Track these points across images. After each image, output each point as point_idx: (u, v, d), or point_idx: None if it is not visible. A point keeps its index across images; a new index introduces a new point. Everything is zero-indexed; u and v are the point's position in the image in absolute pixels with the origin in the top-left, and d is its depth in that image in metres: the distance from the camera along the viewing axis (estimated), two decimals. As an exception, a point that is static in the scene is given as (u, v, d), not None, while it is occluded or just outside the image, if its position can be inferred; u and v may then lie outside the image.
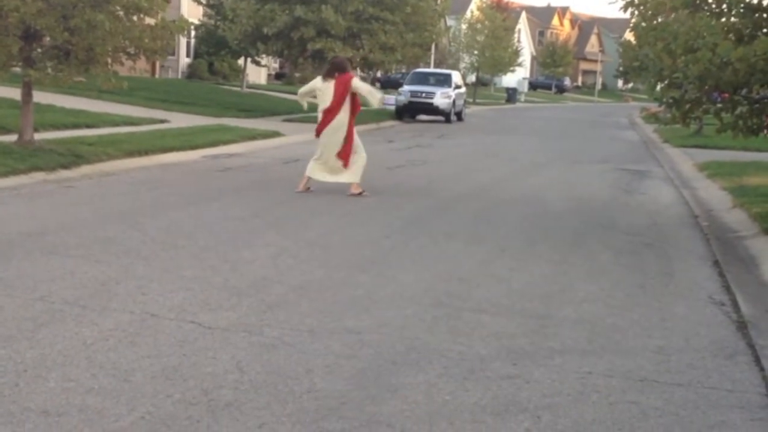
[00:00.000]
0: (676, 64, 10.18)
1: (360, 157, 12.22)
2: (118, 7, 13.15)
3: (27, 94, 13.74)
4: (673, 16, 11.27)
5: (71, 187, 11.49)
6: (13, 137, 14.20)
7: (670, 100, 10.56)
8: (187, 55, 48.63)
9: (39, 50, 13.60)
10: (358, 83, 12.40)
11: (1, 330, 5.27)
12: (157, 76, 44.26)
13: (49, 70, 13.55)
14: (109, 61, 13.83)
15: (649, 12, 10.67)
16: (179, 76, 46.79)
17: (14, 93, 19.31)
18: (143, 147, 15.85)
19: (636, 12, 10.75)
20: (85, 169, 13.14)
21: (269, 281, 7.00)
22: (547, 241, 9.76)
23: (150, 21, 14.32)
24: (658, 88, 10.96)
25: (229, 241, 8.49)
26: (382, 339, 5.65)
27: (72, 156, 13.42)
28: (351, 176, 12.15)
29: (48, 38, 13.27)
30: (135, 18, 13.95)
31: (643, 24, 10.47)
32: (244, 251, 8.08)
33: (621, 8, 10.84)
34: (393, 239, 9.25)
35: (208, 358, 5.03)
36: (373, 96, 12.76)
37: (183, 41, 47.95)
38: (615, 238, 10.21)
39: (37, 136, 15.82)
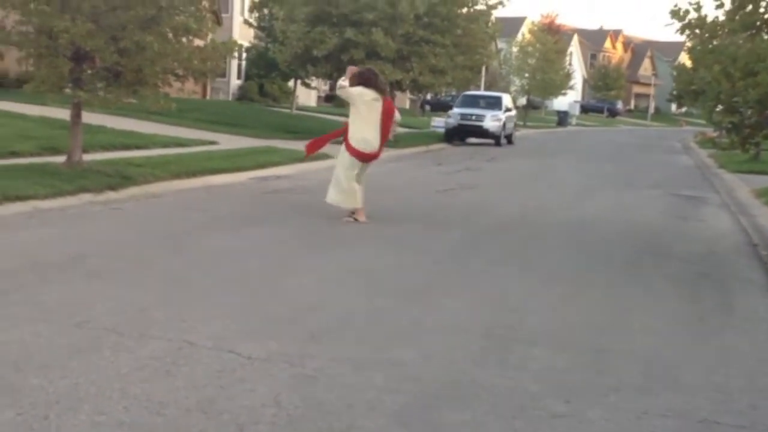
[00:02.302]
0: (735, 87, 9.85)
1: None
2: (167, 29, 13.10)
3: (76, 115, 13.75)
4: (729, 39, 10.93)
5: (118, 209, 11.43)
6: (63, 158, 14.21)
7: (729, 125, 10.23)
8: (238, 77, 48.92)
9: (89, 71, 13.60)
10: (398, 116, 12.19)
11: (36, 358, 5.12)
12: (207, 97, 44.58)
13: (99, 92, 13.57)
14: (159, 82, 13.78)
15: (706, 34, 10.35)
16: (230, 98, 47.06)
17: (66, 114, 19.46)
18: (191, 169, 15.81)
19: (692, 34, 10.43)
20: (133, 190, 13.09)
21: (312, 309, 6.80)
22: (601, 268, 9.47)
23: (199, 42, 14.30)
24: (717, 110, 10.64)
25: (273, 266, 8.33)
26: (427, 372, 5.41)
27: (120, 177, 13.39)
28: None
29: (97, 59, 13.24)
30: (184, 39, 13.93)
31: (700, 47, 10.13)
32: (288, 277, 7.90)
33: (677, 30, 10.53)
34: (441, 265, 9.02)
35: (245, 391, 4.83)
36: None
37: (234, 63, 48.28)
38: (671, 267, 9.87)
39: (87, 157, 15.86)
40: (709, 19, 10.41)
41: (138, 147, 19.39)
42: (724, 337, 6.91)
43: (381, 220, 11.48)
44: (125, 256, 8.31)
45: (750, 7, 9.91)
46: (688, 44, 42.36)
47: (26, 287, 6.79)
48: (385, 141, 11.77)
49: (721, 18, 10.12)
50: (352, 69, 12.01)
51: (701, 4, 10.23)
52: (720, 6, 10.12)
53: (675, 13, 10.25)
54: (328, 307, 6.92)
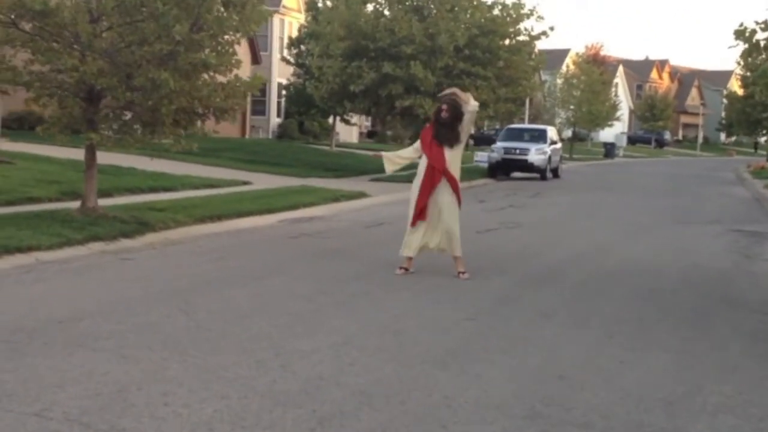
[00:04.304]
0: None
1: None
2: (185, 65, 12.20)
3: (90, 158, 12.89)
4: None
5: (128, 260, 10.50)
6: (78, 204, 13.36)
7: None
8: (278, 115, 48.35)
9: (103, 112, 12.77)
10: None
11: (-33, 464, 4.14)
12: (247, 136, 44.00)
13: (114, 133, 12.75)
14: (178, 120, 12.88)
15: (776, 55, 9.23)
16: (270, 136, 46.46)
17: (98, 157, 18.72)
18: (217, 212, 14.90)
19: (762, 56, 9.30)
20: (150, 237, 12.18)
21: (325, 383, 5.75)
22: (663, 322, 8.29)
23: (222, 79, 13.43)
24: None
25: (287, 327, 7.29)
26: (459, 473, 4.34)
27: (136, 224, 12.49)
28: None
29: (111, 99, 12.42)
30: (206, 76, 13.06)
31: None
32: (303, 340, 6.86)
33: (742, 53, 9.42)
34: (480, 322, 7.91)
35: None
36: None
37: (274, 101, 47.78)
38: (744, 319, 8.67)
39: (111, 201, 15.07)
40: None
41: (165, 189, 18.61)
42: (821, 412, 5.73)
43: (415, 268, 10.37)
44: (122, 318, 7.33)
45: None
46: (739, 71, 40.82)
47: (-10, 362, 5.84)
48: None
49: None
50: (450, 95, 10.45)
51: (769, 22, 9.09)
52: (791, 24, 8.99)
53: (740, 33, 9.11)
54: (345, 379, 5.86)
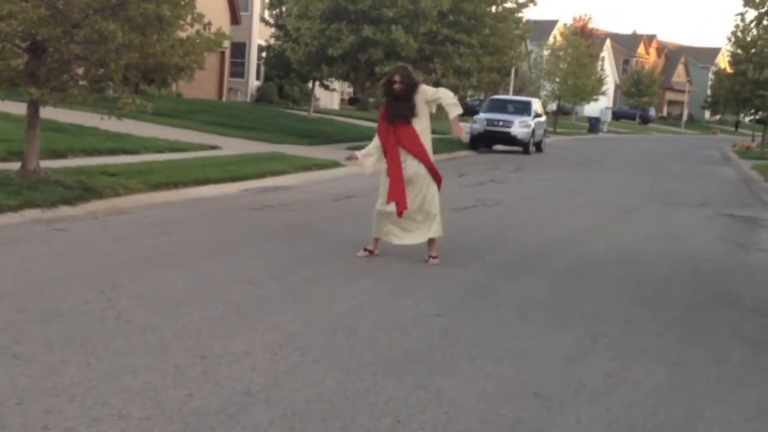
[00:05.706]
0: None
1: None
2: (137, 16, 11.07)
3: (33, 116, 11.77)
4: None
5: (62, 231, 9.44)
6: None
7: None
8: (257, 78, 46.99)
9: (49, 66, 11.64)
10: None
11: None
12: (224, 98, 42.71)
13: (59, 89, 11.62)
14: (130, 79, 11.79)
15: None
16: (248, 99, 45.16)
17: (57, 113, 17.56)
18: (174, 178, 13.83)
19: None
20: (94, 205, 11.13)
21: (252, 399, 4.76)
22: (654, 324, 7.33)
23: (182, 35, 12.31)
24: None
25: (222, 320, 6.28)
26: None
27: (81, 189, 11.43)
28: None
29: (54, 51, 11.29)
30: (162, 31, 11.91)
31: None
32: (236, 339, 5.85)
33: (753, 20, 8.44)
34: (446, 319, 6.92)
35: None
36: None
37: (253, 63, 46.45)
38: (744, 321, 7.72)
39: (64, 163, 14.02)
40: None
41: (126, 152, 17.51)
42: None
43: (380, 251, 9.36)
44: (30, 304, 6.31)
45: None
46: (729, 48, 39.86)
47: None
48: None
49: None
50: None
51: (785, -14, 8.10)
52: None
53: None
54: (277, 394, 4.87)
